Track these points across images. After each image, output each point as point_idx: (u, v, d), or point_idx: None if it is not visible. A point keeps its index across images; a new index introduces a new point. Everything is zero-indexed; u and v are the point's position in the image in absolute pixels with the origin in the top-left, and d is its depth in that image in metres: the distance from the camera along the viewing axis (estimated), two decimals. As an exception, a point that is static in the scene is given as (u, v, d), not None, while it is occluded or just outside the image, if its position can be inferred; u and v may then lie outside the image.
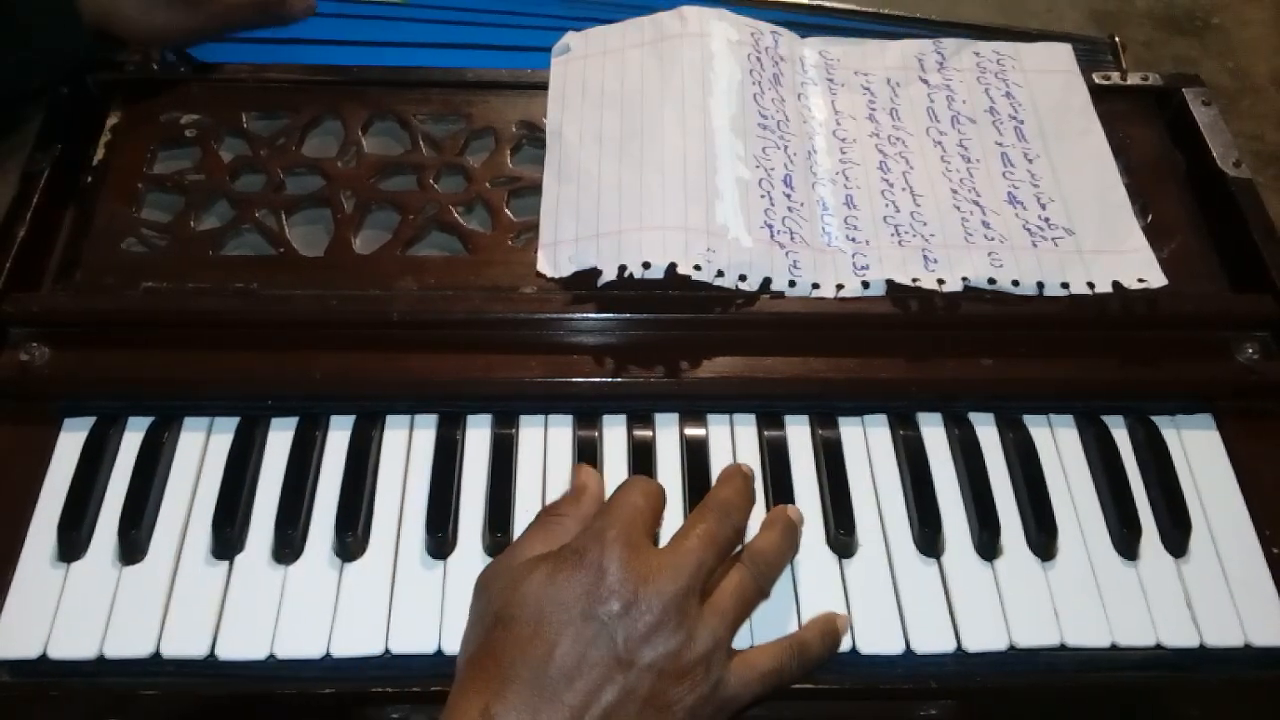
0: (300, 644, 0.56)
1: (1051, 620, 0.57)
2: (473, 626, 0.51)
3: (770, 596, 0.55)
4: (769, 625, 0.57)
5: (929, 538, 0.60)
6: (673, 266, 0.63)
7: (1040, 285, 0.65)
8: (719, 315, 0.64)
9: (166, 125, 0.74)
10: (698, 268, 0.63)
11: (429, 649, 0.56)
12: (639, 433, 0.63)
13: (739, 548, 0.55)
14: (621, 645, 0.47)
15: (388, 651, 0.56)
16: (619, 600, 0.48)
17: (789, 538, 0.56)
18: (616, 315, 0.64)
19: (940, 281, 0.65)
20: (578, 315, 0.64)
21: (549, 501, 0.60)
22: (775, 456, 0.63)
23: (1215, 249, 0.71)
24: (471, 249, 0.68)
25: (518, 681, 0.47)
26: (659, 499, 0.54)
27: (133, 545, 0.58)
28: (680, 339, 0.65)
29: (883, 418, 0.65)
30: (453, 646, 0.55)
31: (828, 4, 0.85)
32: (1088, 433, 0.65)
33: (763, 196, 0.67)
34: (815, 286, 0.65)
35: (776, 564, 0.55)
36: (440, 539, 0.59)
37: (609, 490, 0.55)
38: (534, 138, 0.74)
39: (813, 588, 0.58)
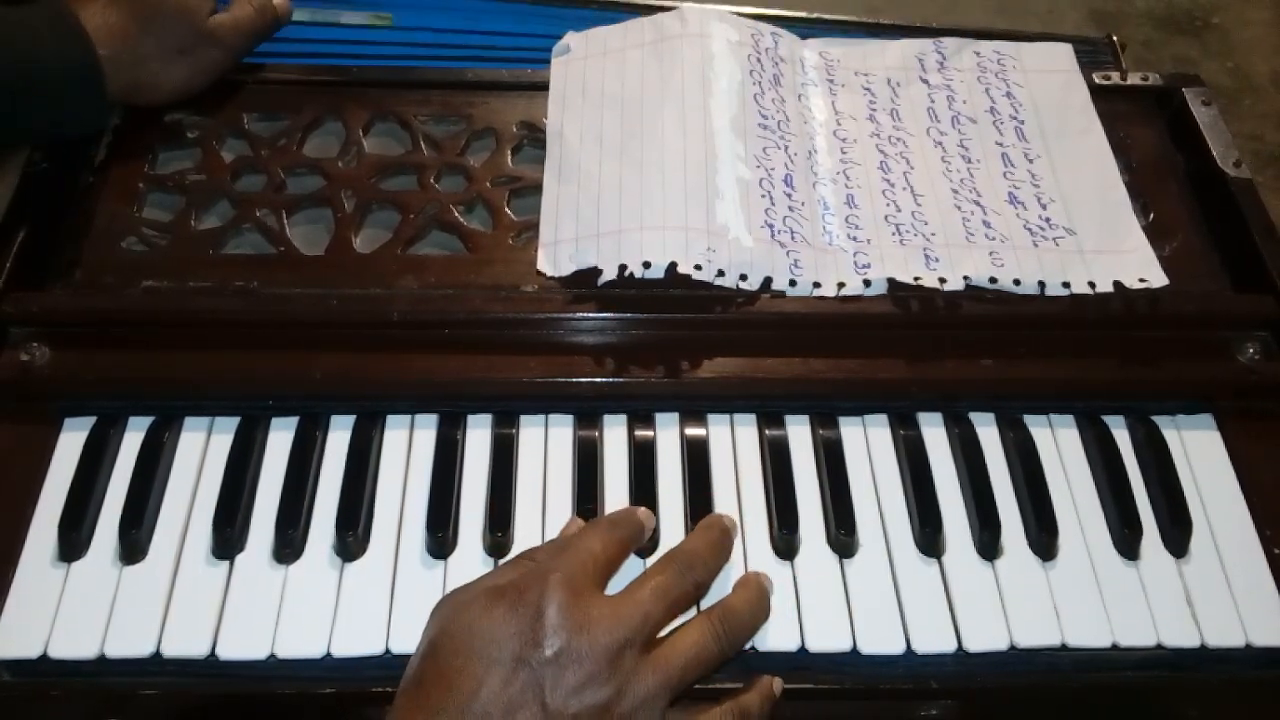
0: (301, 644, 0.56)
1: (1052, 620, 0.57)
2: (414, 654, 0.50)
3: (773, 588, 0.54)
4: (770, 628, 0.56)
5: (929, 537, 0.60)
6: (673, 266, 0.63)
7: (1041, 285, 0.65)
8: (719, 315, 0.64)
9: (168, 126, 0.74)
10: (698, 267, 0.63)
11: (429, 649, 0.55)
12: (639, 432, 0.63)
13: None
14: (548, 693, 0.46)
15: (388, 651, 0.56)
16: (550, 647, 0.47)
17: (763, 600, 0.55)
18: (617, 315, 0.64)
19: (942, 280, 0.65)
20: (578, 315, 0.64)
21: (548, 511, 0.60)
22: (776, 456, 0.63)
23: (1215, 249, 0.71)
24: (472, 248, 0.68)
25: (443, 714, 0.46)
26: (621, 546, 0.53)
27: (133, 545, 0.58)
28: (680, 339, 0.65)
29: (883, 418, 0.65)
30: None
31: (826, 16, 0.85)
32: (1088, 433, 0.64)
33: (763, 196, 0.67)
34: (816, 285, 0.65)
35: (747, 626, 0.54)
36: (441, 539, 0.59)
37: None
38: (534, 138, 0.74)
39: (813, 588, 0.58)
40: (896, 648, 0.56)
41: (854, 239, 0.67)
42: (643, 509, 0.57)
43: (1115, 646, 0.57)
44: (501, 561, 0.58)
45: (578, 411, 0.64)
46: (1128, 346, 0.66)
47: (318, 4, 0.82)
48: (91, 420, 0.63)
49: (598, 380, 0.63)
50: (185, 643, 0.55)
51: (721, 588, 0.57)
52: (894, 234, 0.68)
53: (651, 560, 0.57)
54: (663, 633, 0.51)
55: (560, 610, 0.48)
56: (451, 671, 0.47)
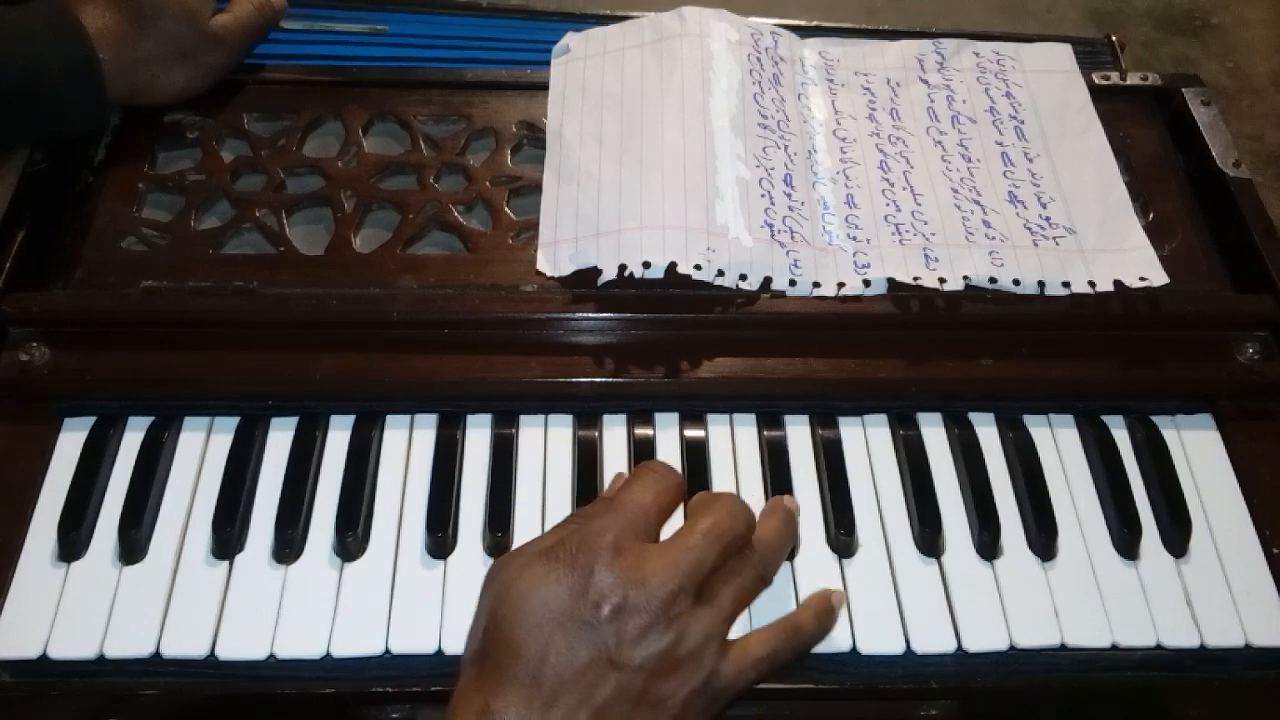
0: (300, 644, 0.56)
1: (1052, 620, 0.57)
2: (475, 623, 0.51)
3: (773, 584, 0.55)
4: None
5: (929, 538, 0.60)
6: (673, 266, 0.63)
7: (1041, 284, 0.65)
8: (719, 315, 0.64)
9: (168, 126, 0.74)
10: (698, 267, 0.63)
11: (429, 649, 0.56)
12: (639, 432, 0.63)
13: None
14: (613, 647, 0.48)
15: (388, 651, 0.56)
16: (609, 604, 0.48)
17: (790, 526, 0.56)
18: (616, 315, 0.64)
19: (941, 280, 0.65)
20: (578, 315, 0.64)
21: (562, 503, 0.60)
22: (775, 456, 0.63)
23: (1215, 249, 0.71)
24: (471, 248, 0.68)
25: (514, 681, 0.47)
26: (672, 495, 0.54)
27: (133, 545, 0.58)
28: (680, 339, 0.65)
29: (883, 418, 0.65)
30: (453, 646, 0.55)
31: (825, 24, 0.84)
32: (1088, 433, 0.65)
33: (763, 196, 0.67)
34: (816, 285, 0.65)
35: (779, 551, 0.55)
36: (440, 539, 0.59)
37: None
38: (534, 138, 0.74)
39: (813, 588, 0.58)
40: (896, 648, 0.56)
41: (854, 239, 0.67)
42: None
43: (1115, 647, 0.57)
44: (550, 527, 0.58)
45: (577, 411, 0.64)
46: (1127, 346, 0.66)
47: (312, 16, 0.82)
48: (91, 420, 0.63)
49: (597, 380, 0.63)
50: (185, 643, 0.55)
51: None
52: (894, 234, 0.68)
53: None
54: None
55: (613, 569, 0.49)
56: (517, 640, 0.48)
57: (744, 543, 0.53)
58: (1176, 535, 0.60)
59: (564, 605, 0.48)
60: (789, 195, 0.68)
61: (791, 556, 0.59)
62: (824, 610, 0.55)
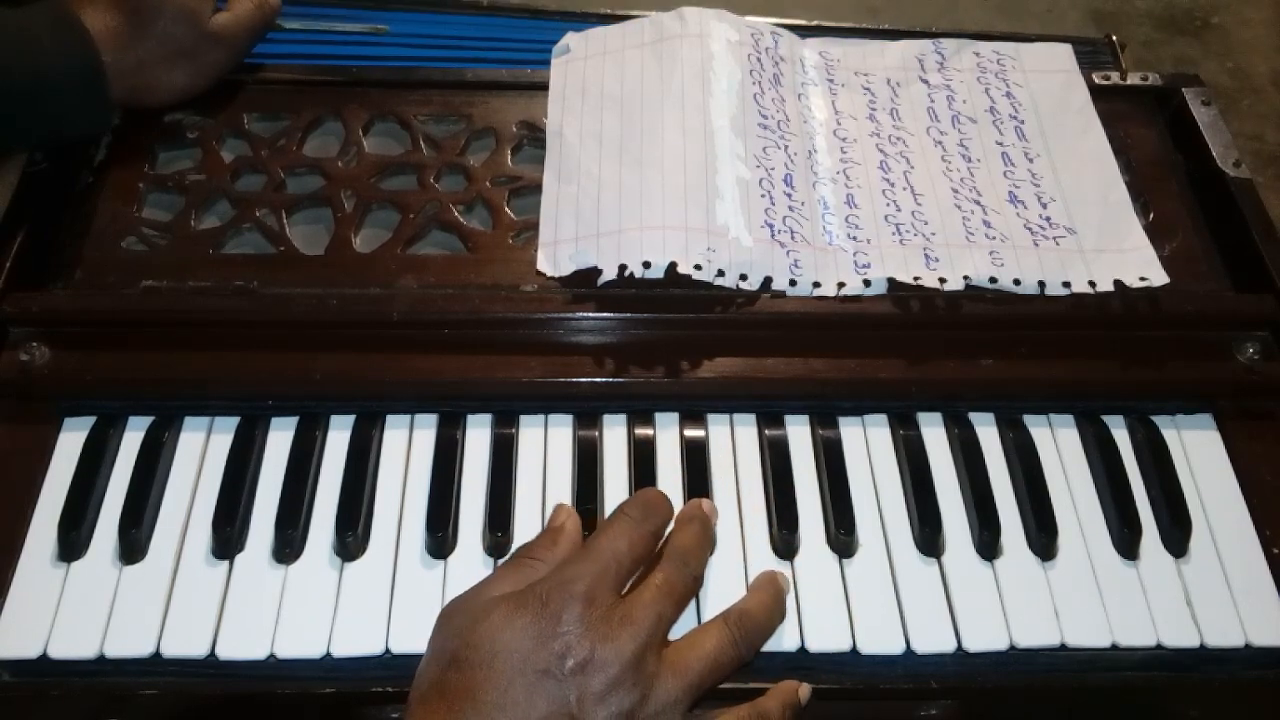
0: (300, 644, 0.56)
1: (1052, 620, 0.57)
2: (427, 662, 0.50)
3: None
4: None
5: (929, 538, 0.60)
6: (673, 266, 0.63)
7: (1042, 284, 0.65)
8: (719, 315, 0.64)
9: (168, 126, 0.74)
10: (698, 267, 0.63)
11: (429, 649, 0.55)
12: (639, 432, 0.63)
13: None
14: (574, 702, 0.47)
15: (388, 651, 0.56)
16: (575, 657, 0.47)
17: (779, 604, 0.56)
18: (616, 315, 0.64)
19: (942, 280, 0.65)
20: (578, 315, 0.64)
21: (538, 525, 0.60)
22: (776, 456, 0.63)
23: (1216, 249, 0.71)
24: (472, 248, 0.68)
25: None
26: (647, 543, 0.53)
27: (133, 545, 0.58)
28: (680, 339, 0.65)
29: (883, 418, 0.65)
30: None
31: (826, 23, 0.84)
32: (1088, 433, 0.64)
33: (763, 196, 0.67)
34: (816, 285, 0.65)
35: (764, 628, 0.54)
36: (440, 539, 0.59)
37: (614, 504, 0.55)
38: (534, 138, 0.74)
39: (813, 588, 0.58)
40: (896, 648, 0.56)
41: (854, 239, 0.67)
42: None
43: (1115, 646, 0.57)
44: (501, 561, 0.58)
45: (577, 411, 0.64)
46: (1128, 346, 0.66)
47: (312, 15, 0.81)
48: (91, 420, 0.63)
49: (598, 380, 0.63)
50: (185, 643, 0.55)
51: (726, 587, 0.57)
52: (894, 234, 0.68)
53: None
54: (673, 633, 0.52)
55: (583, 620, 0.48)
56: (475, 684, 0.47)
57: (694, 591, 0.53)
58: (1176, 535, 0.60)
59: (528, 652, 0.47)
60: (789, 195, 0.68)
61: (792, 557, 0.59)
62: (789, 702, 0.53)
